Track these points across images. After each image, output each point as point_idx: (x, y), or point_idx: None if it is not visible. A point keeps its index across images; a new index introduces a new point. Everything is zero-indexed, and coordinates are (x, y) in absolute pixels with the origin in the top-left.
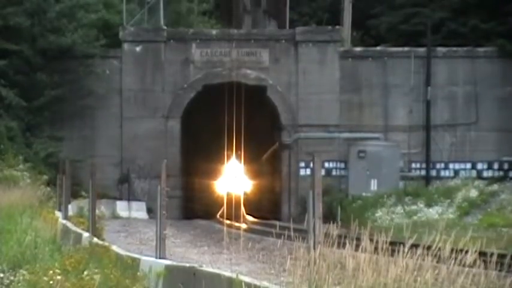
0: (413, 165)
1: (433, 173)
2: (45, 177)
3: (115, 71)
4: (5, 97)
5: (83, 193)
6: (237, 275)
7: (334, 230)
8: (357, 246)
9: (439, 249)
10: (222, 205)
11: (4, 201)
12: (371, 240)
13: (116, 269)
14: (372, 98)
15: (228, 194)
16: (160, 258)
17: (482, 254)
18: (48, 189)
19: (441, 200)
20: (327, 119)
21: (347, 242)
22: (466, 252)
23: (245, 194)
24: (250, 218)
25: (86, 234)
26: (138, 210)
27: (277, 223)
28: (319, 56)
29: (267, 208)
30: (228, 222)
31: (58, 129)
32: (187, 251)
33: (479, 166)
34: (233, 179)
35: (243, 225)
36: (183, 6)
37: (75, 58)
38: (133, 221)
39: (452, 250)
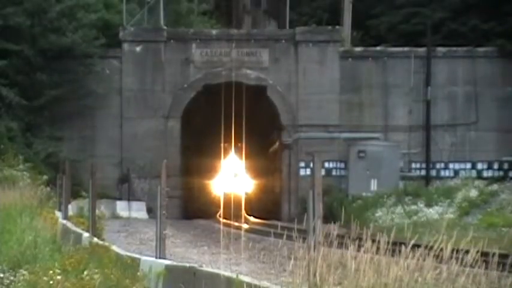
0: (413, 165)
1: (433, 173)
2: (45, 177)
3: (115, 71)
4: (5, 97)
5: (83, 193)
6: (237, 275)
7: (334, 230)
8: (358, 246)
9: (440, 249)
10: (222, 205)
11: (4, 201)
12: (373, 240)
13: (116, 269)
14: (372, 98)
15: (227, 194)
16: (160, 258)
17: (483, 254)
18: (48, 189)
19: (441, 200)
20: (327, 119)
21: (348, 242)
22: (467, 252)
23: (245, 193)
24: (250, 218)
25: (86, 234)
26: (138, 210)
27: (278, 223)
28: (319, 56)
29: (266, 208)
30: (228, 222)
31: (58, 129)
32: (187, 251)
33: (479, 166)
34: (233, 178)
35: (244, 225)
36: (183, 6)
37: (75, 58)
38: (133, 221)
39: (453, 250)
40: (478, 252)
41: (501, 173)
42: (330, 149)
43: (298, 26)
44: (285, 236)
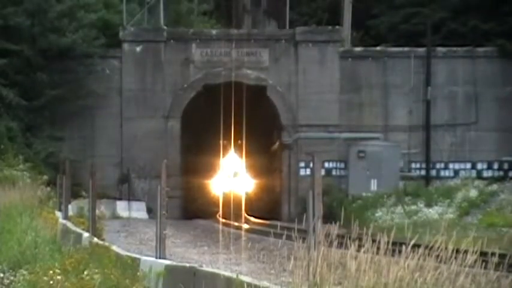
0: (413, 165)
1: (433, 173)
2: (45, 177)
3: (115, 71)
4: (5, 97)
5: (83, 193)
6: (237, 275)
7: (334, 229)
8: (358, 246)
9: (440, 249)
10: (222, 205)
11: (4, 201)
12: (373, 240)
13: (115, 269)
14: (372, 98)
15: (227, 194)
16: (160, 258)
17: (482, 254)
18: (48, 189)
19: (441, 200)
20: (327, 119)
21: (348, 242)
22: (467, 252)
23: (245, 193)
24: (250, 218)
25: (86, 234)
26: (138, 210)
27: (278, 223)
28: (319, 56)
29: (266, 208)
30: (228, 222)
31: (58, 129)
32: (187, 251)
33: (479, 166)
34: (233, 178)
35: (244, 225)
36: (183, 6)
37: (75, 58)
38: (133, 221)
39: (453, 250)
40: (477, 252)
41: (501, 173)
42: (329, 149)
43: (298, 26)
44: (284, 236)
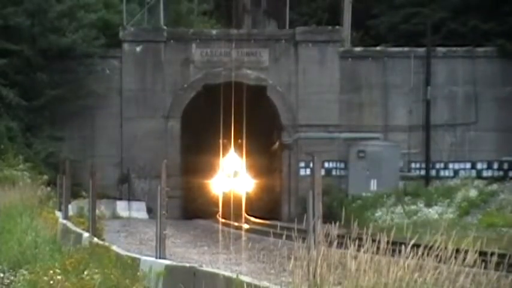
0: (413, 165)
1: (433, 173)
2: (45, 177)
3: (115, 71)
4: (5, 97)
5: (83, 193)
6: (237, 275)
7: (334, 229)
8: (358, 246)
9: (440, 249)
10: (222, 205)
11: (4, 201)
12: (373, 240)
13: (116, 269)
14: (372, 98)
15: (227, 194)
16: (160, 258)
17: (482, 253)
18: (48, 189)
19: (441, 200)
20: (327, 119)
21: (348, 242)
22: (466, 252)
23: (246, 193)
24: (250, 218)
25: (86, 234)
26: (138, 210)
27: (278, 223)
28: (319, 56)
29: (266, 208)
30: (228, 222)
31: (58, 129)
32: (187, 251)
33: (479, 166)
34: (233, 178)
35: (244, 225)
36: (183, 6)
37: (75, 58)
38: (133, 221)
39: (453, 250)
40: (477, 252)
41: (501, 173)
42: (329, 149)
43: (298, 26)
44: (284, 236)
